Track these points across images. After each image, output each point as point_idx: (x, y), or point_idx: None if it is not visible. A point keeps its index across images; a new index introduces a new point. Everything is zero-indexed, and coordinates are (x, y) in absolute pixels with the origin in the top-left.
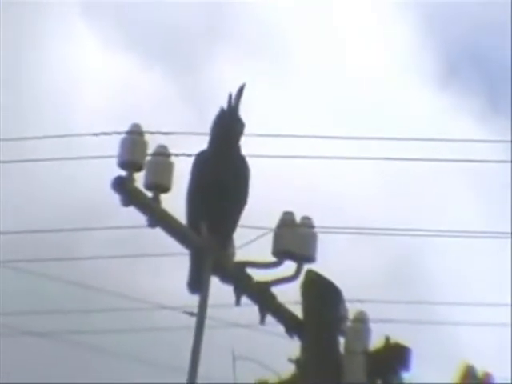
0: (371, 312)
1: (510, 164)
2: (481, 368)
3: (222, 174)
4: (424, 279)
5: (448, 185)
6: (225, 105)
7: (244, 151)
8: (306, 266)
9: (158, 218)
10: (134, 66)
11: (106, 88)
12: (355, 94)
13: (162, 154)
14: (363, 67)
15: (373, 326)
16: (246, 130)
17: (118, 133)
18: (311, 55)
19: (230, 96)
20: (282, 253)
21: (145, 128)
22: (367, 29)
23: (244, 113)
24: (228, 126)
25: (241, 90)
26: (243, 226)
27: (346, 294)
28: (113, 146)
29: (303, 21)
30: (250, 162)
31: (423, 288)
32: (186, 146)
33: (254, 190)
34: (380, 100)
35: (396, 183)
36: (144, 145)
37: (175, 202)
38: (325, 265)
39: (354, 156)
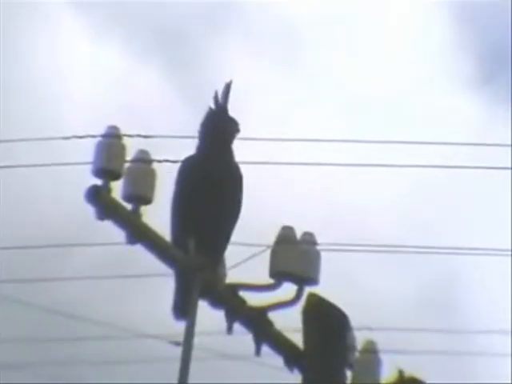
0: (392, 342)
1: None
2: None
3: (212, 183)
4: (461, 305)
5: (486, 195)
6: (212, 104)
7: (238, 156)
8: (308, 289)
9: (139, 233)
10: (129, 61)
11: (98, 85)
12: (382, 96)
13: (143, 160)
14: (391, 67)
15: (388, 358)
16: (242, 133)
17: (93, 136)
18: (332, 54)
19: (217, 94)
20: (280, 274)
21: (129, 130)
22: (398, 27)
23: (242, 113)
24: (218, 126)
25: (228, 87)
26: (236, 243)
27: (362, 321)
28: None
29: (326, 17)
30: (244, 168)
31: (460, 316)
32: (173, 150)
33: (249, 201)
34: (411, 103)
35: (424, 193)
36: (122, 150)
37: (158, 216)
38: (335, 288)
39: (373, 163)
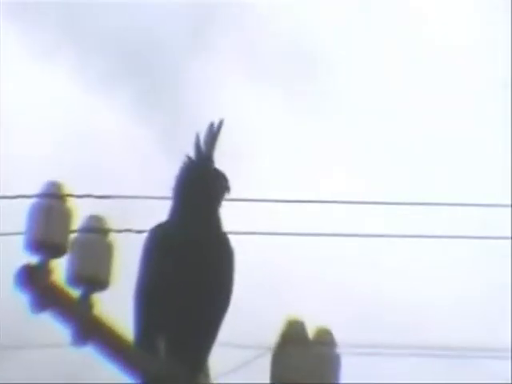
0: None
1: None
2: None
3: (192, 261)
4: None
5: None
6: (192, 152)
7: (227, 224)
8: None
9: (90, 329)
10: (84, 89)
11: (42, 120)
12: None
13: (96, 229)
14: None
15: None
16: (233, 192)
17: (26, 196)
18: (350, 71)
19: (198, 138)
20: None
21: (79, 187)
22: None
23: (234, 164)
24: (200, 184)
25: (215, 129)
26: (225, 344)
27: None
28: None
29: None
30: (236, 240)
31: None
32: (142, 215)
33: (243, 286)
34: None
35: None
36: (66, 215)
37: (116, 306)
38: None
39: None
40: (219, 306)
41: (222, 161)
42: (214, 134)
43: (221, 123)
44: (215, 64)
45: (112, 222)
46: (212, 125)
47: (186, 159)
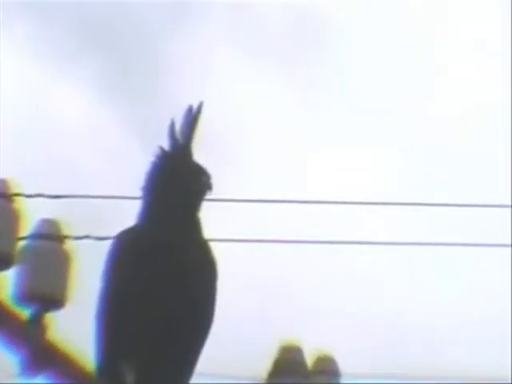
0: None
1: None
2: None
3: (166, 274)
4: None
5: None
6: (166, 141)
7: (210, 230)
8: None
9: (42, 357)
10: (46, 70)
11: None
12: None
13: (49, 236)
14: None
15: None
16: (216, 190)
17: None
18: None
19: (173, 124)
20: None
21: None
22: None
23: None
24: (176, 181)
25: (194, 113)
26: (207, 375)
27: None
28: None
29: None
30: (221, 249)
31: None
32: (104, 218)
33: (227, 303)
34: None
35: None
36: (13, 219)
37: (74, 328)
38: None
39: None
40: (199, 328)
41: (202, 152)
42: (192, 119)
43: (200, 106)
44: (200, 38)
45: (69, 227)
46: (190, 108)
47: (158, 150)
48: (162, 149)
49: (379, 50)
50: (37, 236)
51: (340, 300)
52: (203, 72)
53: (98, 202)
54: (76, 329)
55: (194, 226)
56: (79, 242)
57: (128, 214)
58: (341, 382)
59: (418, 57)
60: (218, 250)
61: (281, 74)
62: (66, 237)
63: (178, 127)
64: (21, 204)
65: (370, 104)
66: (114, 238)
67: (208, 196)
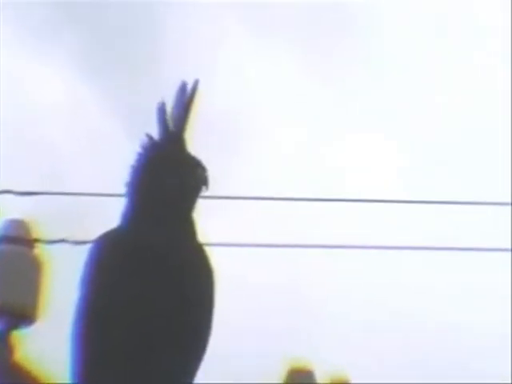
0: None
1: None
2: None
3: (154, 282)
4: None
5: None
6: (155, 129)
7: (205, 232)
8: None
9: (11, 377)
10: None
11: None
12: None
13: (17, 239)
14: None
15: None
16: (213, 187)
17: None
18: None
19: (163, 107)
20: None
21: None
22: None
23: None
24: (165, 176)
25: (192, 95)
26: None
27: None
28: None
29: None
30: (220, 254)
31: None
32: (84, 219)
33: (226, 317)
34: None
35: None
36: None
37: (47, 345)
38: None
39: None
40: (194, 345)
41: (198, 141)
42: (186, 101)
43: (196, 85)
44: (200, 13)
45: (41, 229)
46: (184, 87)
47: (146, 139)
48: (149, 137)
49: (393, 34)
50: (3, 239)
51: (348, 307)
52: (201, 49)
53: (75, 199)
54: (48, 348)
55: (187, 227)
56: (53, 246)
57: (110, 214)
58: None
59: (426, 51)
60: (215, 255)
61: (293, 56)
62: (37, 240)
63: (169, 110)
64: None
65: (375, 97)
66: (94, 241)
67: (204, 193)
